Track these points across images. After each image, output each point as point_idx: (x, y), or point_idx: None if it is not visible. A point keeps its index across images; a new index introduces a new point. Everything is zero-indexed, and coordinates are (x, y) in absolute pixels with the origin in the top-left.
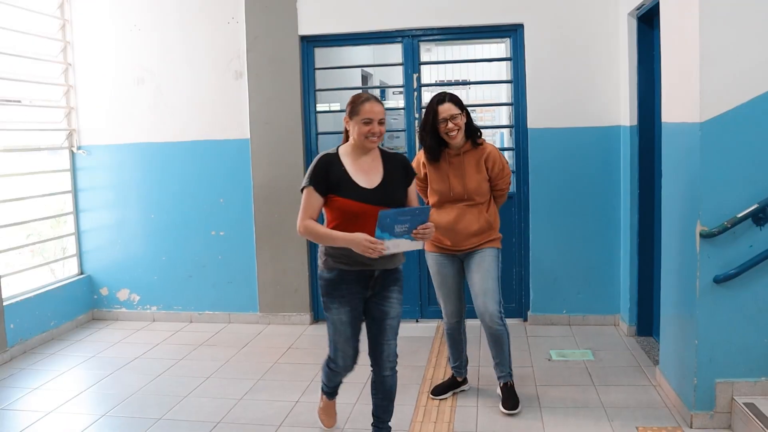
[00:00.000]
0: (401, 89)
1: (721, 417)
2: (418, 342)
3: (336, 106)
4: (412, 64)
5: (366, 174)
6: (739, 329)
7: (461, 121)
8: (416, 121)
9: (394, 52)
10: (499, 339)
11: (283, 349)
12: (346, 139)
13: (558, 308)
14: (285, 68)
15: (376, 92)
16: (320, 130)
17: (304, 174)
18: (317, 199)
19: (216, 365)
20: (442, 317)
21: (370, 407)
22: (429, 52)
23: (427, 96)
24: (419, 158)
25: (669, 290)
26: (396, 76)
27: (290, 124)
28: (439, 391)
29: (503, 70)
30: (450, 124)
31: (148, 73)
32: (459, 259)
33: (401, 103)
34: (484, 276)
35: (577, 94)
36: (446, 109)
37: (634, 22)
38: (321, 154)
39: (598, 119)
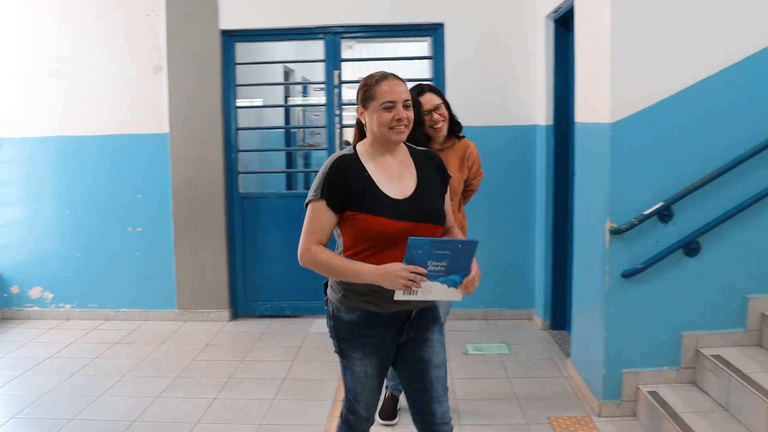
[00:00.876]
0: (322, 86)
1: (627, 405)
2: None
3: (259, 102)
4: (333, 60)
5: (395, 180)
6: (645, 321)
7: (445, 111)
8: (337, 118)
9: (317, 48)
10: None
11: (201, 346)
12: (359, 137)
13: (475, 303)
14: (205, 63)
15: (298, 89)
16: (240, 125)
17: (225, 170)
18: (330, 218)
19: (132, 363)
20: None
21: None
22: (351, 49)
23: (348, 93)
24: None
25: (580, 285)
26: (318, 72)
27: (210, 120)
28: (388, 414)
29: (425, 69)
30: (435, 115)
31: (63, 65)
32: None
33: (323, 100)
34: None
35: (496, 93)
36: (428, 99)
37: (552, 25)
38: (335, 156)
39: (516, 118)
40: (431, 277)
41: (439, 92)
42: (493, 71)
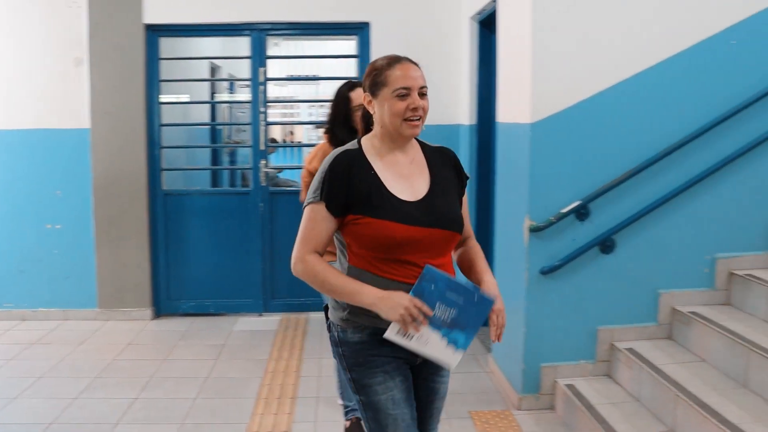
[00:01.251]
0: (248, 83)
1: (546, 398)
2: (261, 336)
3: (184, 97)
4: (259, 57)
5: (406, 180)
6: (563, 316)
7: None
8: (261, 115)
9: (244, 44)
10: None
11: (122, 345)
12: (365, 130)
13: None
14: (128, 57)
15: (225, 85)
16: (165, 121)
17: (148, 166)
18: (329, 223)
19: (49, 364)
20: (286, 311)
21: None
22: (277, 46)
23: (273, 90)
24: (325, 154)
25: (501, 282)
26: (245, 69)
27: (133, 115)
28: None
29: (352, 67)
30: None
31: None
32: None
33: (249, 97)
34: None
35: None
36: (360, 94)
37: (476, 26)
38: (337, 151)
39: (440, 118)
40: (434, 323)
41: None
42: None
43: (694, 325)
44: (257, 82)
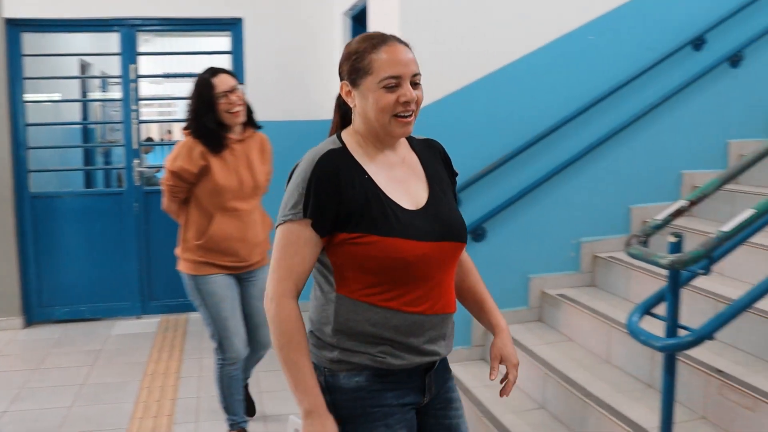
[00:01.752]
0: (119, 80)
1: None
2: (140, 339)
3: (55, 96)
4: (129, 54)
5: (401, 184)
6: None
7: (243, 94)
8: (134, 114)
9: (115, 40)
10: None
11: None
12: (340, 126)
13: None
14: None
15: (97, 83)
16: (29, 121)
17: (13, 168)
18: (313, 247)
19: None
20: (166, 312)
21: None
22: (148, 42)
23: (149, 88)
24: (190, 150)
25: None
26: (117, 66)
27: None
28: None
29: (225, 64)
30: (232, 97)
31: None
32: (238, 279)
33: (120, 95)
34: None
35: (296, 88)
36: (224, 80)
37: (348, 21)
38: (316, 151)
39: (317, 113)
40: None
41: (235, 75)
42: (293, 66)
43: (562, 307)
44: (128, 80)
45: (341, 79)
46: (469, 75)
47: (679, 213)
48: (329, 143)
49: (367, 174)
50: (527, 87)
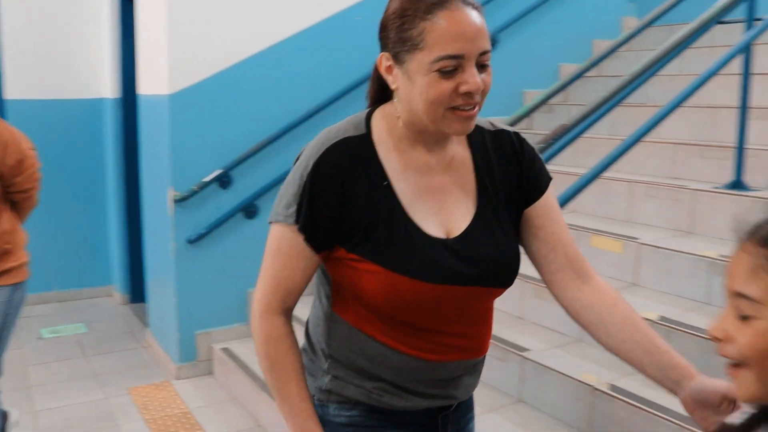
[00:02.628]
0: None
1: (203, 364)
2: None
3: None
4: None
5: (435, 196)
6: (213, 283)
7: None
8: None
9: None
10: None
11: None
12: (377, 99)
13: (48, 286)
14: None
15: None
16: None
17: None
18: (309, 260)
19: None
20: None
21: None
22: None
23: None
24: None
25: (152, 255)
26: None
27: None
28: None
29: None
30: None
31: None
32: None
33: None
34: None
35: (59, 64)
36: None
37: None
38: (327, 139)
39: (82, 91)
40: None
41: None
42: (55, 41)
43: None
44: None
45: (381, 49)
46: (237, 53)
47: None
48: (350, 125)
49: (386, 179)
50: (295, 66)
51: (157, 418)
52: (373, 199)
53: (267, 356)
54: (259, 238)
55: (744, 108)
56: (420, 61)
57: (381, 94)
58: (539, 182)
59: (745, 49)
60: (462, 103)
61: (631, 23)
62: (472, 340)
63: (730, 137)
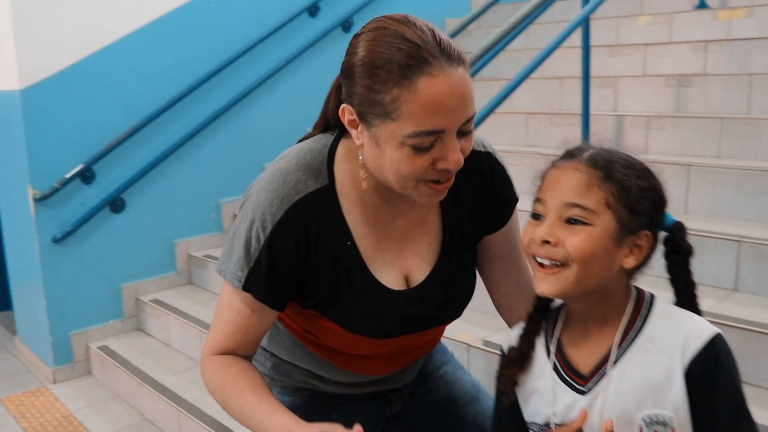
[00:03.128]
0: None
1: (81, 365)
2: None
3: None
4: None
5: (396, 244)
6: (84, 281)
7: None
8: None
9: None
10: None
11: None
12: (323, 126)
13: None
14: None
15: None
16: None
17: None
18: (265, 317)
19: None
20: None
21: None
22: None
23: None
24: None
25: (14, 258)
26: None
27: None
28: None
29: None
30: None
31: None
32: None
33: None
34: None
35: None
36: None
37: None
38: (286, 191)
39: None
40: None
41: None
42: None
43: (210, 267)
44: None
45: (344, 96)
46: (93, 43)
47: None
48: (310, 171)
49: (350, 238)
50: (155, 54)
51: (36, 425)
52: (337, 260)
53: (216, 390)
54: (128, 232)
55: (586, 78)
56: (392, 132)
57: (328, 121)
58: (504, 209)
59: (584, 23)
60: (437, 177)
61: (480, 1)
62: (419, 352)
63: (576, 105)
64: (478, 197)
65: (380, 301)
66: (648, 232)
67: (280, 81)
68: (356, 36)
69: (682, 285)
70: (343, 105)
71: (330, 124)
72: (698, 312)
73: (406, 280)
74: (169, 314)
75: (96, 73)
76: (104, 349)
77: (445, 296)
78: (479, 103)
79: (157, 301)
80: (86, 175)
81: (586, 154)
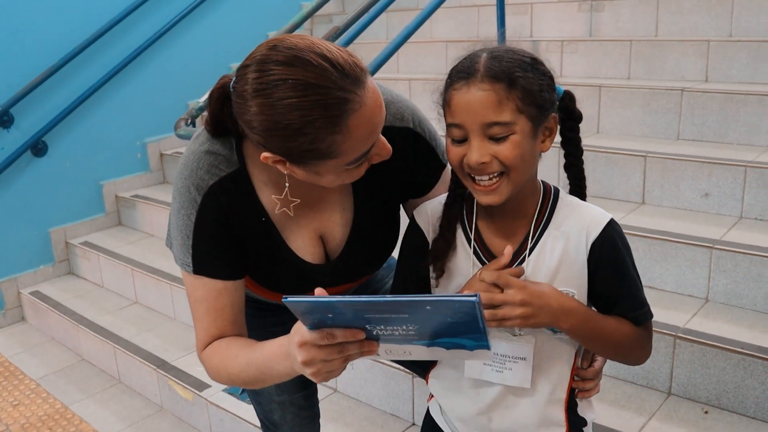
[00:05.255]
0: None
1: (14, 312)
2: None
3: None
4: None
5: (312, 212)
6: (11, 227)
7: None
8: None
9: None
10: None
11: None
12: (213, 125)
13: None
14: None
15: None
16: None
17: None
18: (229, 291)
19: None
20: None
21: None
22: None
23: None
24: None
25: None
26: None
27: None
28: None
29: None
30: None
31: None
32: None
33: None
34: None
35: None
36: None
37: None
38: (198, 170)
39: None
40: (393, 339)
41: None
42: None
43: (139, 207)
44: None
45: (263, 146)
46: None
47: None
48: (222, 157)
49: (264, 215)
50: None
51: None
52: (257, 236)
53: (218, 372)
54: (53, 176)
55: (501, 5)
56: (334, 165)
57: (219, 119)
58: (430, 179)
59: None
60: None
61: None
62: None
63: (494, 32)
64: (395, 168)
65: (303, 269)
66: (554, 114)
67: (203, 15)
68: (244, 88)
69: (573, 158)
70: (264, 153)
71: (228, 129)
72: (584, 198)
73: (323, 240)
74: (100, 255)
75: (6, 13)
76: (36, 294)
77: (353, 265)
78: (396, 32)
79: (87, 243)
80: (4, 119)
81: (482, 69)
